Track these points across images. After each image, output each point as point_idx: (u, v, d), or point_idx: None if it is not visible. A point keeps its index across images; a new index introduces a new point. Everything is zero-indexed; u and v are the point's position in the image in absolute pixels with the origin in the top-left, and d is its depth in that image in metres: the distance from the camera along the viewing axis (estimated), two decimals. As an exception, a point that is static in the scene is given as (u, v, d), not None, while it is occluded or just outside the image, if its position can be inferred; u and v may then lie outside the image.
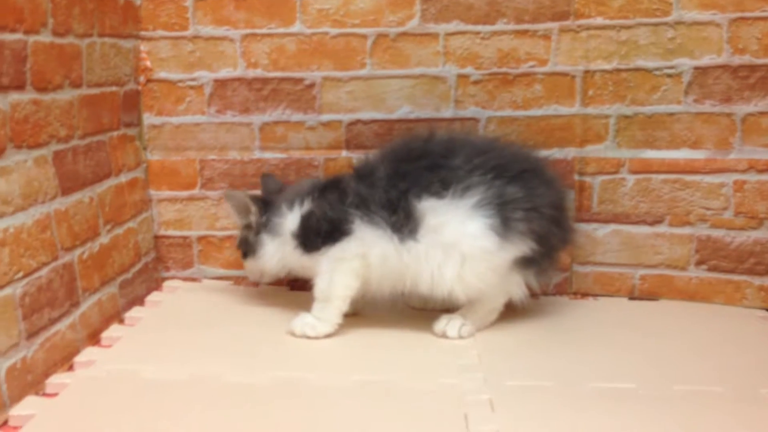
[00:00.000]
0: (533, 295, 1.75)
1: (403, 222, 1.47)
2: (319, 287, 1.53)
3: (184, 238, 1.86)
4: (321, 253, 1.53)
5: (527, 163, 1.55)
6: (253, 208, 1.63)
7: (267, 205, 1.64)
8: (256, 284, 1.82)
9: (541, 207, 1.50)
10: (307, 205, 1.57)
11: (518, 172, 1.50)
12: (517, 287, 1.55)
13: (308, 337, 1.52)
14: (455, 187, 1.46)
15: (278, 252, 1.61)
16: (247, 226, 1.66)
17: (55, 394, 1.29)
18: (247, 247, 1.65)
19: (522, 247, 1.49)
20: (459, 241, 1.45)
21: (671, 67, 1.70)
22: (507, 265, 1.50)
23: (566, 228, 1.61)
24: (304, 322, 1.53)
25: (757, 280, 1.70)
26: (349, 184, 1.54)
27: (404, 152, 1.54)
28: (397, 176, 1.49)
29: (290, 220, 1.58)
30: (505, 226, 1.46)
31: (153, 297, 1.77)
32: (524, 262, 1.52)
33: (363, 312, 1.66)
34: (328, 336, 1.53)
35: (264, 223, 1.62)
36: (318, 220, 1.53)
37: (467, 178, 1.46)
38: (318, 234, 1.53)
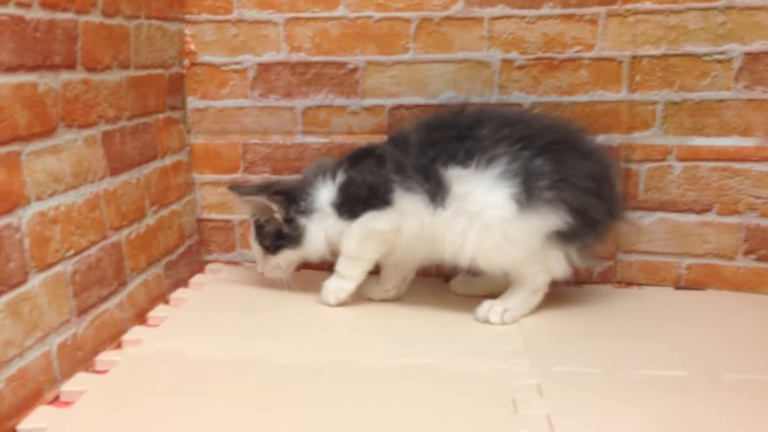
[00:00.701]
0: (577, 283, 1.74)
1: (435, 190, 1.48)
2: (347, 247, 1.57)
3: (226, 221, 1.87)
4: (359, 219, 1.55)
5: (560, 134, 1.53)
6: (275, 206, 1.59)
7: (286, 194, 1.60)
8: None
9: (573, 178, 1.47)
10: (341, 176, 1.57)
11: (548, 143, 1.48)
12: (557, 264, 1.52)
13: (340, 300, 1.59)
14: (479, 158, 1.46)
15: (322, 230, 1.60)
16: (269, 221, 1.61)
17: (104, 371, 1.30)
18: (283, 240, 1.61)
19: (553, 219, 1.46)
20: (481, 210, 1.45)
21: (721, 53, 1.67)
22: (535, 238, 1.48)
23: (610, 200, 1.55)
24: (331, 289, 1.60)
25: (807, 271, 1.67)
26: (386, 150, 1.55)
27: (436, 122, 1.56)
28: (427, 144, 1.51)
29: (326, 192, 1.58)
30: (528, 195, 1.44)
31: (196, 279, 1.78)
32: (562, 237, 1.49)
33: (405, 296, 1.66)
34: (349, 296, 1.61)
35: (304, 208, 1.59)
36: (358, 187, 1.54)
37: (492, 149, 1.46)
38: (358, 200, 1.54)
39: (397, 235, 1.54)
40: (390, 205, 1.52)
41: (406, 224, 1.52)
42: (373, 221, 1.53)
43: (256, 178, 1.83)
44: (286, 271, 1.66)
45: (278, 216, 1.60)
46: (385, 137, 1.69)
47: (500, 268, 1.52)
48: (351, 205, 1.55)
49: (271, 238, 1.62)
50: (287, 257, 1.63)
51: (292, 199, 1.60)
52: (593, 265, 1.75)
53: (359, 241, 1.55)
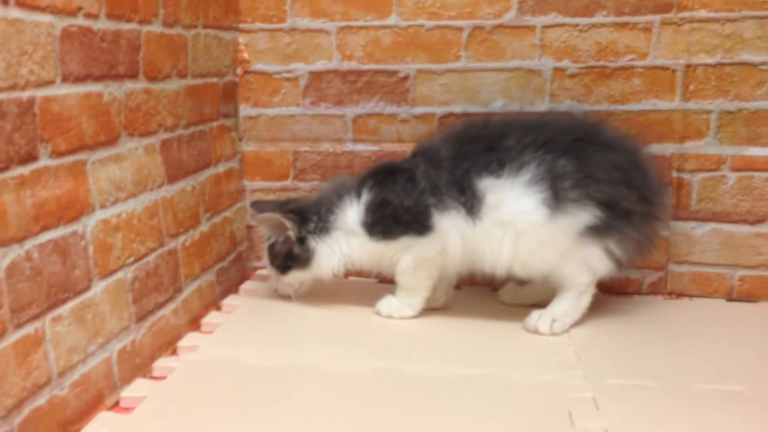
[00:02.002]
0: (627, 294, 1.73)
1: (471, 201, 1.49)
2: (404, 281, 1.59)
3: (275, 228, 1.88)
4: (399, 243, 1.54)
5: (579, 132, 1.53)
6: (289, 224, 1.59)
7: (300, 213, 1.59)
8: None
9: (596, 173, 1.47)
10: (367, 194, 1.56)
11: (569, 142, 1.49)
12: (597, 260, 1.51)
13: (392, 318, 1.60)
14: (510, 166, 1.47)
15: (337, 250, 1.58)
16: (282, 240, 1.61)
17: (162, 378, 1.32)
18: (292, 261, 1.60)
19: (583, 216, 1.46)
20: (514, 218, 1.47)
21: (778, 62, 1.65)
22: (565, 238, 1.47)
23: (642, 187, 1.52)
24: (389, 304, 1.61)
25: None
26: (418, 166, 1.55)
27: (464, 136, 1.56)
28: (460, 156, 1.52)
29: (351, 211, 1.57)
30: (556, 198, 1.45)
31: (246, 286, 1.79)
32: (596, 232, 1.48)
33: (454, 306, 1.66)
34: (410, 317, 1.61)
35: (314, 229, 1.58)
36: (396, 209, 1.54)
37: (520, 157, 1.47)
38: (397, 222, 1.54)
39: (445, 256, 1.55)
40: (432, 229, 1.53)
41: (449, 243, 1.53)
42: (420, 251, 1.54)
43: (306, 186, 1.84)
44: (299, 290, 1.65)
45: (292, 234, 1.59)
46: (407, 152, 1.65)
47: (538, 273, 1.53)
48: (387, 225, 1.54)
49: (281, 258, 1.61)
50: (297, 277, 1.62)
51: (305, 219, 1.59)
52: (643, 275, 1.74)
53: (413, 272, 1.57)
